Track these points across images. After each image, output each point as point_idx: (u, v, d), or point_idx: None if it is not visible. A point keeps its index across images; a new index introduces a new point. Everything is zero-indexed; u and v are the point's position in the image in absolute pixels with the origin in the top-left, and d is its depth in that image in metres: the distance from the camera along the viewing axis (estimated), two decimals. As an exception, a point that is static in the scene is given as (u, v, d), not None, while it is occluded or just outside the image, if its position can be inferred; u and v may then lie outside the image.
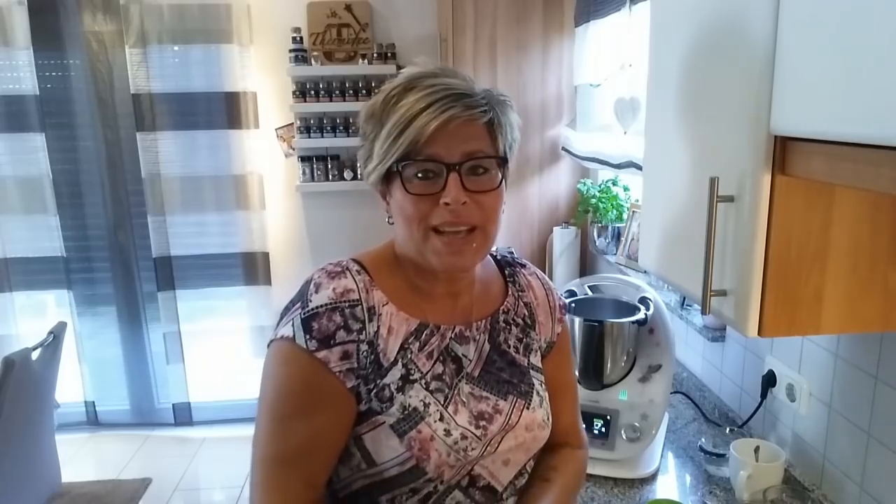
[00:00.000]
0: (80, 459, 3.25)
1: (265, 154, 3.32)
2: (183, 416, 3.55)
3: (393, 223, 0.87)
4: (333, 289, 0.83)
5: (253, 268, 3.39)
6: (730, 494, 1.30)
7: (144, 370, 3.53)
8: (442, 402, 0.85)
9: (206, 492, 3.01)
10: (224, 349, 3.50)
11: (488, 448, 0.87)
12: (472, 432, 0.85)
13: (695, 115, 0.97)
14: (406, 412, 0.83)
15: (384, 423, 0.83)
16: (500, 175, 0.85)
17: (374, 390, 0.83)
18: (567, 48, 2.72)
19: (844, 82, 0.60)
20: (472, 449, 0.85)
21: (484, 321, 0.93)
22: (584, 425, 1.09)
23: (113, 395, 3.54)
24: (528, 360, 0.96)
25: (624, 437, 1.37)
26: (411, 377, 0.85)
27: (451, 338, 0.90)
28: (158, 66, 3.15)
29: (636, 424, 1.37)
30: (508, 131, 0.87)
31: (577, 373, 1.46)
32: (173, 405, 3.54)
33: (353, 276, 0.85)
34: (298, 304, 0.83)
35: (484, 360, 0.91)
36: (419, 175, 0.81)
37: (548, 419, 0.95)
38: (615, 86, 2.29)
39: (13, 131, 3.15)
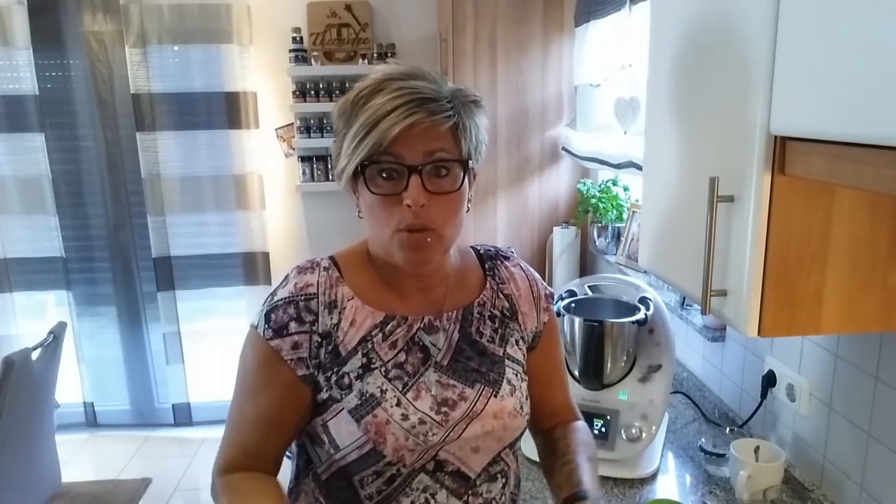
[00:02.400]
0: (79, 459, 3.25)
1: (265, 154, 3.32)
2: (183, 416, 3.55)
3: (363, 217, 0.91)
4: (296, 284, 0.90)
5: (253, 268, 3.39)
6: (730, 494, 1.30)
7: (144, 370, 3.53)
8: (400, 389, 0.89)
9: (206, 492, 3.00)
10: (224, 349, 3.50)
11: (451, 434, 0.89)
12: (431, 417, 0.88)
13: (695, 114, 0.97)
14: (363, 398, 0.87)
15: (343, 409, 0.88)
16: (462, 177, 0.87)
17: (334, 378, 0.89)
18: (567, 48, 2.72)
19: (844, 82, 0.60)
20: (433, 434, 0.88)
21: (455, 312, 0.96)
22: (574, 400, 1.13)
23: (113, 396, 3.54)
24: (504, 351, 0.97)
25: (624, 437, 1.37)
26: (372, 366, 0.89)
27: (418, 328, 0.93)
28: (158, 66, 3.15)
29: (636, 424, 1.37)
30: (473, 134, 0.88)
31: (577, 373, 1.47)
32: (173, 405, 3.54)
33: (319, 272, 0.92)
34: (268, 297, 0.92)
35: (454, 349, 0.94)
36: (383, 175, 0.84)
37: (521, 408, 0.95)
38: (615, 86, 2.29)
39: (13, 131, 3.15)
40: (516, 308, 1.01)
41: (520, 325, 1.01)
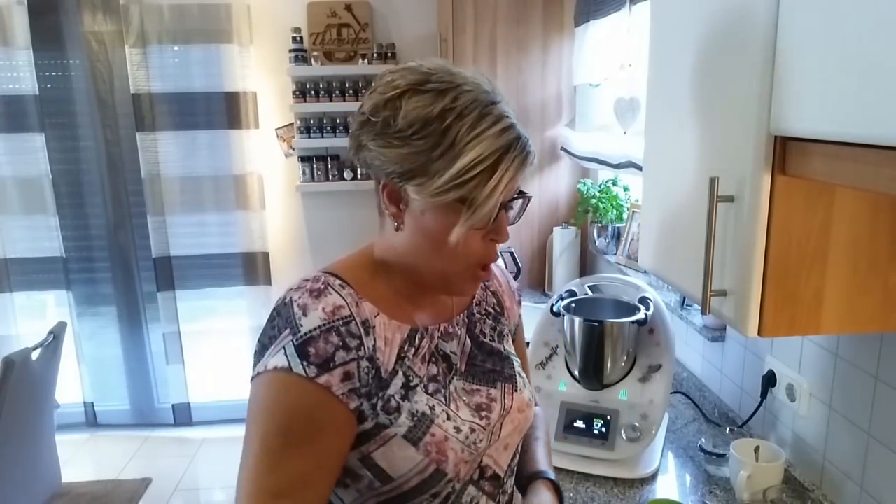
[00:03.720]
0: (79, 459, 3.25)
1: (265, 154, 3.32)
2: (183, 416, 3.55)
3: (399, 230, 0.83)
4: (323, 308, 0.78)
5: (253, 268, 3.39)
6: (730, 494, 1.30)
7: (144, 370, 3.53)
8: (444, 402, 0.86)
9: (206, 492, 3.01)
10: (224, 349, 3.50)
11: (493, 436, 0.89)
12: (478, 424, 0.87)
13: (695, 115, 0.97)
14: (416, 419, 0.82)
15: (395, 434, 0.80)
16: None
17: (380, 404, 0.81)
18: (567, 48, 2.72)
19: (844, 82, 0.60)
20: (481, 440, 0.87)
21: (462, 315, 0.95)
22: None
23: (113, 396, 3.54)
24: (504, 347, 0.99)
25: (624, 437, 1.37)
26: (411, 384, 0.84)
27: (438, 337, 0.90)
28: (158, 66, 3.14)
29: (636, 424, 1.37)
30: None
31: (577, 373, 1.47)
32: (173, 405, 3.54)
33: (337, 291, 0.81)
34: (287, 332, 0.77)
35: (468, 354, 0.93)
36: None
37: (533, 397, 0.99)
38: (615, 86, 2.29)
39: (13, 131, 3.15)
40: (503, 303, 1.03)
41: (506, 320, 1.03)
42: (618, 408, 1.40)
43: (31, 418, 2.42)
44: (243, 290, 3.43)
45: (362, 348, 0.79)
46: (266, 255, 3.40)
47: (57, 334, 2.53)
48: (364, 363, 0.79)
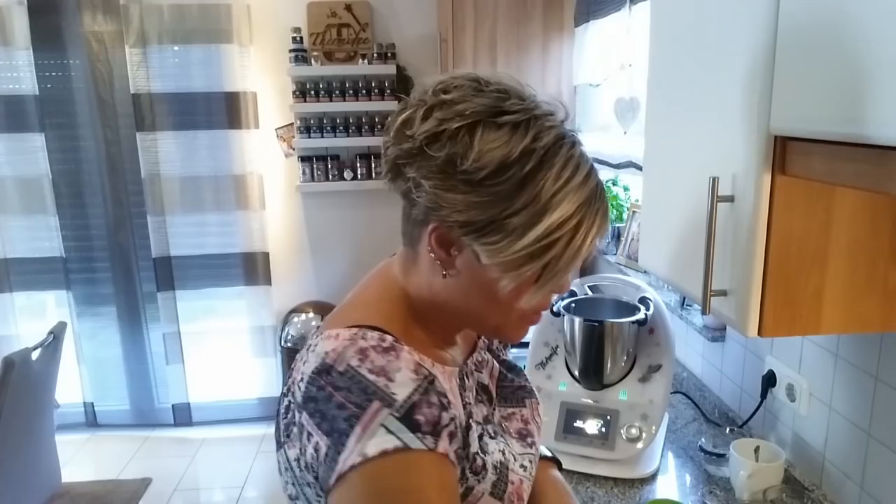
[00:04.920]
0: (79, 460, 3.25)
1: (265, 154, 3.32)
2: (183, 416, 3.54)
3: (447, 277, 0.70)
4: (407, 367, 0.65)
5: (253, 268, 3.39)
6: (730, 494, 1.30)
7: (144, 371, 3.53)
8: (505, 442, 0.78)
9: (206, 492, 3.01)
10: (224, 349, 3.50)
11: (536, 458, 0.85)
12: (530, 454, 0.81)
13: (695, 114, 0.97)
14: (498, 471, 0.73)
15: (483, 493, 0.71)
16: None
17: (468, 464, 0.70)
18: (567, 48, 2.72)
19: (844, 82, 0.60)
20: (534, 467, 0.82)
21: (481, 339, 0.87)
22: None
23: (113, 396, 3.54)
24: (510, 357, 0.95)
25: (624, 437, 1.37)
26: (478, 432, 0.73)
27: (473, 370, 0.81)
28: (158, 66, 3.14)
29: (636, 424, 1.37)
30: None
31: (577, 373, 1.47)
32: (173, 405, 3.54)
33: (397, 345, 0.67)
34: (376, 405, 0.61)
35: (497, 377, 0.86)
36: None
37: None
38: (615, 86, 2.29)
39: (13, 131, 3.15)
40: None
41: None
42: (618, 408, 1.40)
43: (31, 418, 2.42)
44: (243, 291, 3.43)
45: (451, 405, 0.66)
46: (266, 255, 3.39)
47: (57, 334, 2.53)
48: (458, 421, 0.68)
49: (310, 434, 0.64)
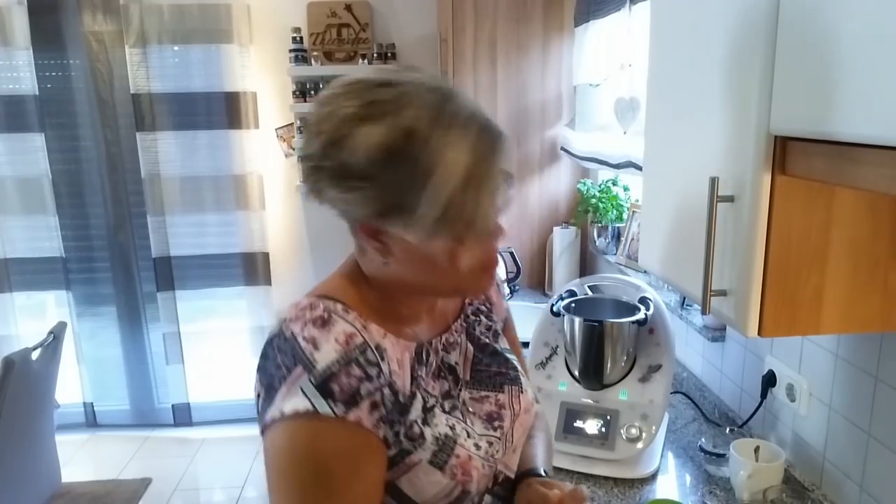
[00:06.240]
0: (79, 459, 3.25)
1: (265, 154, 3.32)
2: (182, 416, 3.55)
3: (388, 264, 0.76)
4: (335, 339, 0.71)
5: (253, 268, 3.39)
6: (730, 494, 1.30)
7: (144, 371, 3.53)
8: (462, 419, 0.82)
9: (206, 492, 3.01)
10: (224, 350, 3.50)
11: (507, 444, 0.87)
12: (493, 436, 0.84)
13: (695, 114, 0.97)
14: (440, 442, 0.77)
15: (420, 460, 0.76)
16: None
17: (403, 430, 0.75)
18: (567, 48, 2.72)
19: (844, 82, 0.60)
20: (498, 451, 0.85)
21: (459, 321, 0.91)
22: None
23: (113, 396, 3.54)
24: (500, 345, 0.95)
25: (624, 437, 1.37)
26: (428, 405, 0.79)
27: (441, 350, 0.86)
28: (158, 66, 3.14)
29: (636, 424, 1.37)
30: None
31: (577, 373, 1.47)
32: (173, 406, 3.54)
33: (342, 316, 0.74)
34: (299, 370, 0.70)
35: (471, 360, 0.90)
36: None
37: (535, 395, 0.97)
38: (615, 86, 2.29)
39: (13, 131, 3.15)
40: (490, 299, 0.99)
41: (496, 316, 0.99)
42: (618, 408, 1.40)
43: (31, 418, 2.42)
44: (243, 291, 3.43)
45: (381, 375, 0.73)
46: (266, 256, 3.40)
47: (57, 334, 2.53)
48: (386, 390, 0.73)
49: (257, 390, 0.75)
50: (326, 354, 0.70)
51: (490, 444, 0.83)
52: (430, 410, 0.79)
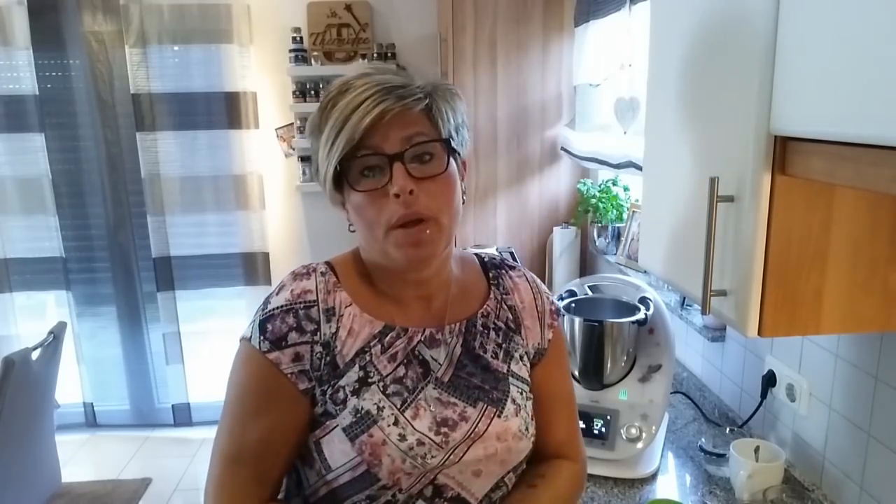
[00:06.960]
0: (79, 459, 3.25)
1: (265, 154, 3.32)
2: (182, 416, 3.55)
3: (354, 230, 0.87)
4: (292, 290, 0.84)
5: (253, 268, 3.39)
6: (730, 494, 1.30)
7: (144, 370, 3.53)
8: (398, 406, 0.83)
9: (206, 492, 3.01)
10: (224, 350, 3.49)
11: (451, 456, 0.83)
12: (430, 439, 0.82)
13: (695, 114, 0.97)
14: (359, 415, 0.81)
15: (337, 426, 0.82)
16: (446, 158, 0.83)
17: (329, 392, 0.83)
18: (567, 48, 2.72)
19: (845, 82, 0.60)
20: (432, 456, 0.82)
21: (458, 324, 0.91)
22: (583, 441, 1.03)
23: (113, 396, 3.54)
24: (509, 367, 0.92)
25: (624, 437, 1.37)
26: (369, 380, 0.83)
27: (419, 340, 0.88)
28: (158, 66, 3.14)
29: (636, 424, 1.37)
30: (450, 115, 0.85)
31: (576, 373, 1.46)
32: (173, 406, 3.54)
33: (316, 277, 0.86)
34: (261, 305, 0.85)
35: (455, 364, 0.88)
36: (364, 173, 0.81)
37: (527, 429, 0.90)
38: (615, 86, 2.29)
39: (13, 131, 3.15)
40: (520, 321, 0.96)
41: (523, 340, 0.95)
42: (618, 408, 1.40)
43: (31, 418, 2.42)
44: (243, 291, 3.43)
45: (318, 333, 0.83)
46: (266, 256, 3.39)
47: (57, 334, 2.53)
48: (318, 348, 0.82)
49: None
50: (279, 299, 0.84)
51: (421, 443, 0.81)
52: (367, 384, 0.83)
